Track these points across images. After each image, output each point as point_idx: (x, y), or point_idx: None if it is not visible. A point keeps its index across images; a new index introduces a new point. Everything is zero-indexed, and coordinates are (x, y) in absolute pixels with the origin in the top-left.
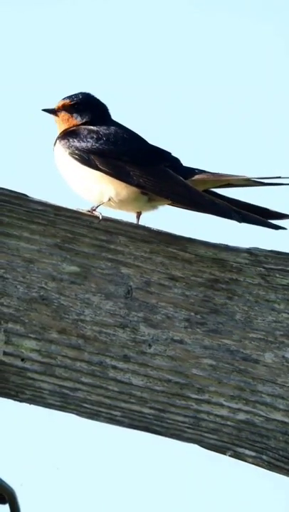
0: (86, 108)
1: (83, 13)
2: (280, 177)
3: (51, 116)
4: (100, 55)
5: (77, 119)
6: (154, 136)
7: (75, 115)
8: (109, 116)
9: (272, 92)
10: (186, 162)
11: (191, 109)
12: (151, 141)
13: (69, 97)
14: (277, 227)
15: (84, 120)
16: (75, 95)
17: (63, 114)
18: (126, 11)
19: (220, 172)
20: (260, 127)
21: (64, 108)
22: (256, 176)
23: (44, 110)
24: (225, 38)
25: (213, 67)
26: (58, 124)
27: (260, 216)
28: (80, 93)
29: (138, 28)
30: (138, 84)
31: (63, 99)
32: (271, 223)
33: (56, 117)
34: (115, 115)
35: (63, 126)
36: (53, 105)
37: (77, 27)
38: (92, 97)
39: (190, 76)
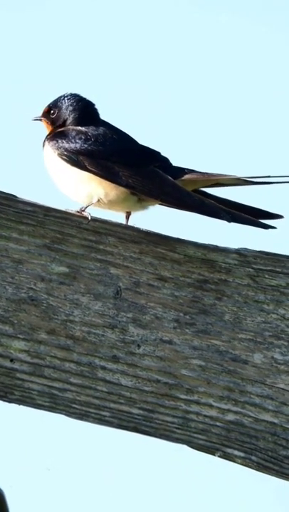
0: (65, 111)
1: (83, 11)
2: (269, 176)
3: (39, 113)
4: (98, 54)
5: (56, 123)
6: (143, 136)
7: (53, 120)
8: (97, 115)
9: (261, 92)
10: (175, 161)
11: (182, 109)
12: (140, 141)
13: (51, 103)
14: (267, 227)
15: (62, 122)
16: (55, 100)
17: (45, 121)
18: (124, 11)
19: (209, 172)
20: (249, 127)
21: (44, 115)
22: (246, 176)
23: (34, 120)
24: (216, 37)
25: (204, 66)
26: (47, 129)
27: (250, 216)
28: (62, 96)
29: (136, 27)
30: (128, 84)
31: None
32: (261, 223)
33: (44, 123)
34: (109, 114)
35: (48, 131)
36: (42, 104)
37: (77, 25)
38: (76, 97)
39: (179, 76)
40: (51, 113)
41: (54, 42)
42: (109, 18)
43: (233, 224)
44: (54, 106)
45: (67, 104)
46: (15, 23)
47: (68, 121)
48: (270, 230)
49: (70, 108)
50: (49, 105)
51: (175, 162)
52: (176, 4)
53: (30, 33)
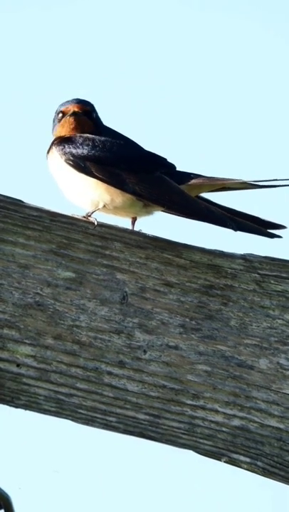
0: (96, 116)
1: (82, 12)
2: (276, 179)
3: (49, 122)
4: (96, 57)
5: (94, 127)
6: (148, 142)
7: (94, 123)
8: (101, 122)
9: (267, 96)
10: (180, 167)
11: (186, 114)
12: (145, 147)
13: (84, 103)
14: (272, 236)
15: (93, 127)
16: (86, 102)
17: (87, 120)
18: (122, 13)
19: (215, 176)
20: (254, 131)
21: (86, 113)
22: (252, 179)
23: (75, 113)
24: (220, 41)
25: (208, 71)
26: (76, 128)
27: (256, 225)
28: (85, 100)
29: (134, 30)
30: (131, 89)
31: (80, 103)
32: (267, 232)
33: (80, 121)
34: (110, 119)
35: (77, 130)
36: (50, 111)
37: (76, 26)
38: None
39: (184, 81)
40: (92, 115)
41: (54, 45)
42: (107, 21)
43: (238, 232)
44: (93, 109)
45: (95, 110)
46: (14, 23)
47: (93, 128)
48: (275, 238)
49: (97, 115)
50: (90, 106)
51: (180, 167)
52: (173, 5)
53: (31, 35)
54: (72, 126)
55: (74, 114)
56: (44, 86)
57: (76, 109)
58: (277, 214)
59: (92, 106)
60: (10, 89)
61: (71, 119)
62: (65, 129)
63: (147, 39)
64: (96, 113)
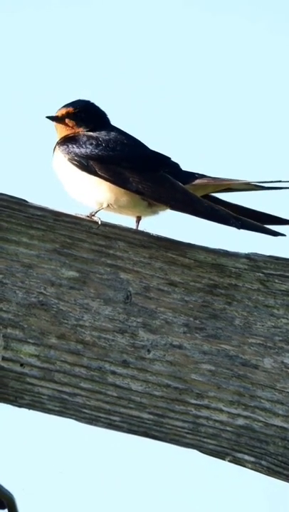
0: (88, 115)
1: (82, 12)
2: (280, 181)
3: (52, 123)
4: (98, 57)
5: (81, 127)
6: (154, 141)
7: (79, 123)
8: (108, 122)
9: (272, 97)
10: (185, 167)
11: (192, 114)
12: (151, 146)
13: (72, 105)
14: (276, 234)
15: (88, 127)
16: (77, 103)
17: (68, 121)
18: (122, 14)
19: (220, 177)
20: (260, 132)
21: (68, 115)
22: (257, 180)
23: (48, 117)
24: (226, 42)
25: (213, 71)
26: (60, 131)
27: (261, 221)
28: (81, 100)
29: (135, 31)
30: (137, 89)
31: (66, 106)
32: (270, 230)
33: (60, 124)
34: (115, 119)
35: (65, 133)
36: (53, 112)
37: (77, 29)
38: (92, 104)
39: (189, 81)
40: (77, 116)
41: (55, 48)
42: (112, 23)
43: (242, 230)
44: (81, 109)
45: (91, 109)
46: (14, 23)
47: (88, 128)
48: (279, 237)
49: (94, 114)
50: (75, 107)
51: (186, 167)
52: (173, 6)
53: (31, 35)
54: (59, 132)
55: (58, 120)
56: (47, 85)
57: (60, 115)
58: (281, 214)
59: (79, 105)
60: (13, 89)
61: (57, 126)
62: (57, 133)
63: (148, 39)
64: (86, 112)
